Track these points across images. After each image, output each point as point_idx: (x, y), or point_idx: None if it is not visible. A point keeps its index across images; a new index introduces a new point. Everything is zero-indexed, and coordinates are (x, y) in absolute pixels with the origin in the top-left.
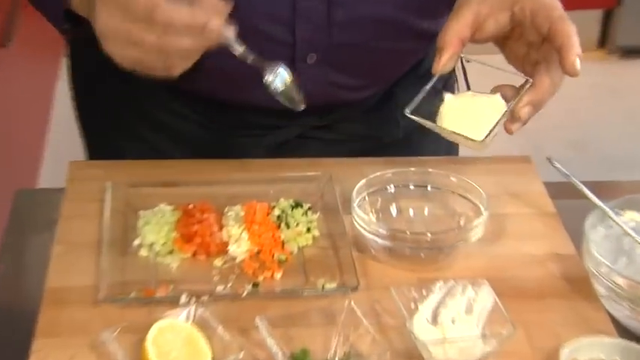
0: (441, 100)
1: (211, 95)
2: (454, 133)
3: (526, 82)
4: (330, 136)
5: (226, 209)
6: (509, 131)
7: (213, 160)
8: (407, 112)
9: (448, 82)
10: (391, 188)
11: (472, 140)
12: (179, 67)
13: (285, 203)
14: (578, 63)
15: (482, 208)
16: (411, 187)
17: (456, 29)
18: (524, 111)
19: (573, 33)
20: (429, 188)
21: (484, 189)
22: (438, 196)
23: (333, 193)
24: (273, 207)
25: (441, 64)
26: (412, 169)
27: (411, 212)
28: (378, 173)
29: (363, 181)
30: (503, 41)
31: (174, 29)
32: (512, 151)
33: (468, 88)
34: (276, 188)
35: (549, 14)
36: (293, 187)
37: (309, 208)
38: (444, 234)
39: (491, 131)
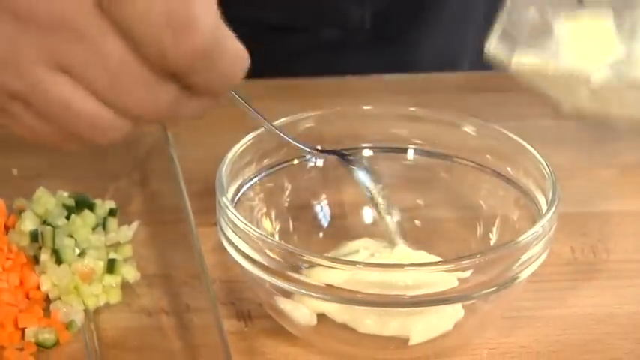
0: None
1: None
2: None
3: None
4: None
5: None
6: None
7: None
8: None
9: None
10: (317, 160)
11: None
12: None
13: (48, 200)
14: None
15: (542, 204)
16: (368, 153)
17: None
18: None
19: None
20: (421, 154)
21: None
22: (439, 174)
23: (171, 169)
24: (21, 212)
25: None
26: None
27: (368, 214)
28: (286, 120)
29: (243, 142)
30: None
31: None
32: None
33: None
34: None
35: None
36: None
37: (112, 212)
38: (446, 271)
39: None
